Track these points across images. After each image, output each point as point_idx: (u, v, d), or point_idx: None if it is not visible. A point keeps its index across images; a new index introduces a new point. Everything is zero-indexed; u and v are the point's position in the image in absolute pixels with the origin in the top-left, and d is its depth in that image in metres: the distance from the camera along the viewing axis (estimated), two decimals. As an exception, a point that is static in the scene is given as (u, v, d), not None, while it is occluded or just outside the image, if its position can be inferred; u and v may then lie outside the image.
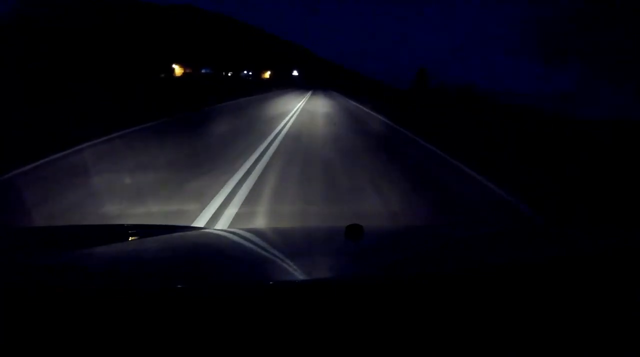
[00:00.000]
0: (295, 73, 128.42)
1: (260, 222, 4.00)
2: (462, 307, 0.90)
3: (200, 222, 3.81)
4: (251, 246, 1.43)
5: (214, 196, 4.63)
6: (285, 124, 12.80)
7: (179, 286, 0.91)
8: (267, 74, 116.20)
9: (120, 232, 1.60)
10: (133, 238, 1.45)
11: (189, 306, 0.82)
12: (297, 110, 19.15)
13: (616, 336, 0.89)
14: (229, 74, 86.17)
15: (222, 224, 3.81)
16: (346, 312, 0.85)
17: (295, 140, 9.48)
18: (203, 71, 75.35)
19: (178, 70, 61.42)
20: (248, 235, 1.60)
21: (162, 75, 40.68)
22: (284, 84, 64.03)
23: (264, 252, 1.38)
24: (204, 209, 4.17)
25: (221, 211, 4.17)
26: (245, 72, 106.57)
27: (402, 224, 4.12)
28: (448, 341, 0.83)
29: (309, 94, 41.77)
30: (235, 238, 1.52)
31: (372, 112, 21.77)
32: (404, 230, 2.22)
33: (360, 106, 27.05)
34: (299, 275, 1.13)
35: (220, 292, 0.88)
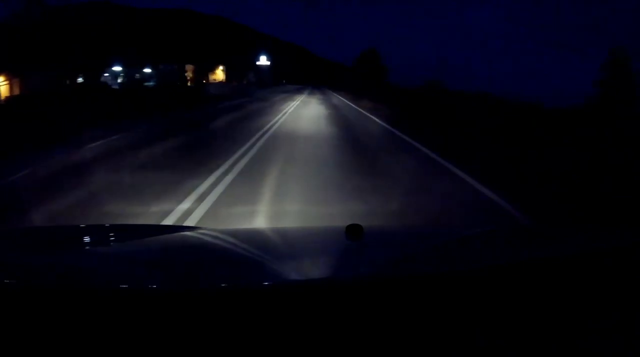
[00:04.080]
0: (264, 61, 76.11)
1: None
2: (462, 307, 0.91)
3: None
4: (250, 246, 1.43)
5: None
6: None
7: (177, 286, 0.91)
8: (218, 73, 71.29)
9: (119, 232, 1.61)
10: (133, 238, 1.46)
11: (188, 306, 0.82)
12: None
13: (616, 336, 0.88)
14: (78, 81, 34.89)
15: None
16: (346, 312, 0.85)
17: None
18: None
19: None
20: (247, 235, 1.61)
21: None
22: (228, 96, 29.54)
23: (263, 252, 1.38)
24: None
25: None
26: (115, 68, 49.35)
27: (402, 224, 4.11)
28: (448, 341, 0.83)
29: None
30: (235, 238, 1.52)
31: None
32: (404, 230, 2.22)
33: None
34: (298, 275, 1.13)
35: (219, 292, 0.88)
